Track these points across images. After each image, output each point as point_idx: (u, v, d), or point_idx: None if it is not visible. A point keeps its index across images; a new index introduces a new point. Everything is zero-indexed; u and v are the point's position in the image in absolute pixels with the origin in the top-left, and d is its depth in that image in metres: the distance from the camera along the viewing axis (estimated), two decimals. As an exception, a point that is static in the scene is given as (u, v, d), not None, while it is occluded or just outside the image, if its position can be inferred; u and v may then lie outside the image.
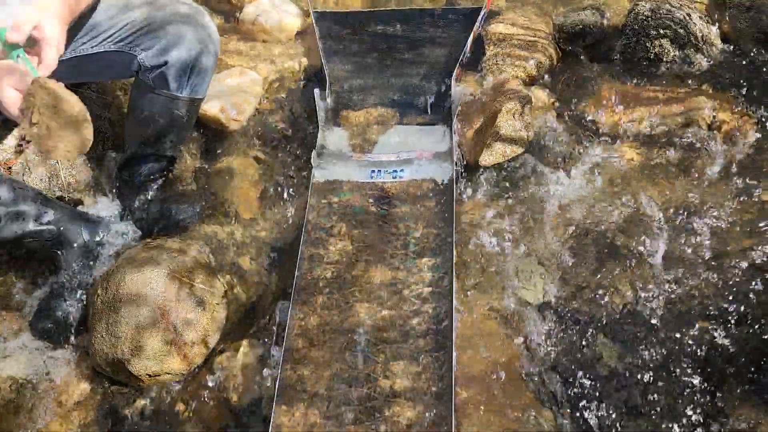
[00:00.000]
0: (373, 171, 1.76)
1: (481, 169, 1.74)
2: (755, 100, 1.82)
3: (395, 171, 1.75)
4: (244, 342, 1.48)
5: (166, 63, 1.50)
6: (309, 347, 1.42)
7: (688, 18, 1.93)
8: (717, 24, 2.00)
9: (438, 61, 2.02)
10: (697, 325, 1.39)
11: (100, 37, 1.50)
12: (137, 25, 1.49)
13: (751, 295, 1.41)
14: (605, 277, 1.51)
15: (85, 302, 1.54)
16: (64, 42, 1.18)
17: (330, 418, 1.31)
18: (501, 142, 1.73)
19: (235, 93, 1.97)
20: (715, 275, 1.46)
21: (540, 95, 1.92)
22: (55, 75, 1.58)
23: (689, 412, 1.28)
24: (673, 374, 1.34)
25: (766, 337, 1.35)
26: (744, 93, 1.84)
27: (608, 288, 1.49)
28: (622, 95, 1.89)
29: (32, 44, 1.13)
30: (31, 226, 1.50)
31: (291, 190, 1.78)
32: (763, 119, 1.77)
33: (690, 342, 1.38)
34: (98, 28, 1.50)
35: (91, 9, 1.50)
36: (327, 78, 1.98)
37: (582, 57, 2.05)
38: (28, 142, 1.73)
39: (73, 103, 1.13)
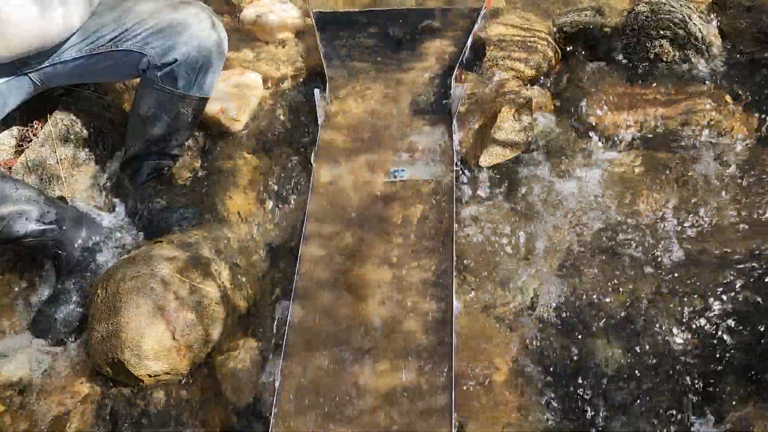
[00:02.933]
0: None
1: (481, 170, 1.74)
2: (755, 101, 1.82)
3: (395, 171, 1.75)
4: (244, 342, 1.48)
5: (176, 60, 1.52)
6: (309, 347, 1.42)
7: (688, 18, 1.93)
8: (717, 24, 2.00)
9: (438, 61, 2.02)
10: (697, 326, 1.40)
11: (106, 36, 1.52)
12: (146, 24, 1.51)
13: (751, 296, 1.42)
14: (605, 277, 1.51)
15: (85, 302, 1.54)
16: None
17: (330, 417, 1.31)
18: (501, 142, 1.73)
19: (235, 93, 1.97)
20: (715, 275, 1.46)
21: (540, 96, 1.92)
22: (62, 75, 1.59)
23: (689, 412, 1.29)
24: (673, 374, 1.34)
25: (765, 337, 1.35)
26: (744, 93, 1.84)
27: (608, 288, 1.49)
28: (622, 96, 1.89)
29: None
30: (33, 226, 1.50)
31: (291, 190, 1.78)
32: (764, 119, 1.77)
33: (690, 342, 1.38)
34: (104, 29, 1.51)
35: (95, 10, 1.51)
36: (327, 78, 1.98)
37: (582, 57, 2.05)
38: (29, 141, 1.73)
39: None
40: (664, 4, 1.97)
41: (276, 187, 1.79)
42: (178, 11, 1.54)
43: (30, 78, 1.56)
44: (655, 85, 1.90)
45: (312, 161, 1.78)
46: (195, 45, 1.53)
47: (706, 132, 1.76)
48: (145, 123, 1.64)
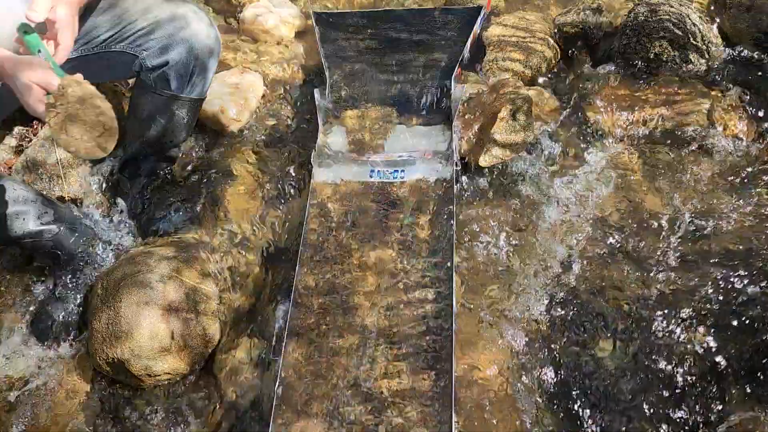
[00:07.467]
0: (372, 171, 1.76)
1: (481, 170, 1.74)
2: (755, 100, 1.82)
3: (395, 171, 1.75)
4: (244, 342, 1.48)
5: (167, 63, 1.51)
6: (309, 348, 1.42)
7: (687, 18, 1.93)
8: (717, 24, 2.00)
9: (438, 61, 2.02)
10: (697, 326, 1.40)
11: (100, 37, 1.51)
12: (138, 25, 1.50)
13: (751, 296, 1.41)
14: (605, 278, 1.51)
15: (84, 302, 1.54)
16: (77, 25, 1.21)
17: (330, 418, 1.31)
18: (501, 142, 1.73)
19: (235, 93, 1.97)
20: (715, 276, 1.46)
21: (540, 96, 1.92)
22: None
23: (689, 413, 1.29)
24: (674, 375, 1.34)
25: (765, 337, 1.35)
26: (744, 93, 1.84)
27: (608, 289, 1.49)
28: (621, 96, 1.89)
29: (45, 30, 1.16)
30: (31, 226, 1.50)
31: (291, 190, 1.78)
32: (763, 119, 1.77)
33: (690, 342, 1.38)
34: (99, 29, 1.51)
35: (90, 9, 1.50)
36: (327, 78, 1.98)
37: (582, 57, 2.05)
38: (29, 141, 1.73)
39: (106, 111, 1.15)
40: (664, 4, 1.97)
41: (276, 187, 1.79)
42: (170, 11, 1.51)
43: None
44: (655, 85, 1.90)
45: (312, 161, 1.78)
46: (187, 47, 1.51)
47: (705, 131, 1.76)
48: (141, 124, 1.63)
